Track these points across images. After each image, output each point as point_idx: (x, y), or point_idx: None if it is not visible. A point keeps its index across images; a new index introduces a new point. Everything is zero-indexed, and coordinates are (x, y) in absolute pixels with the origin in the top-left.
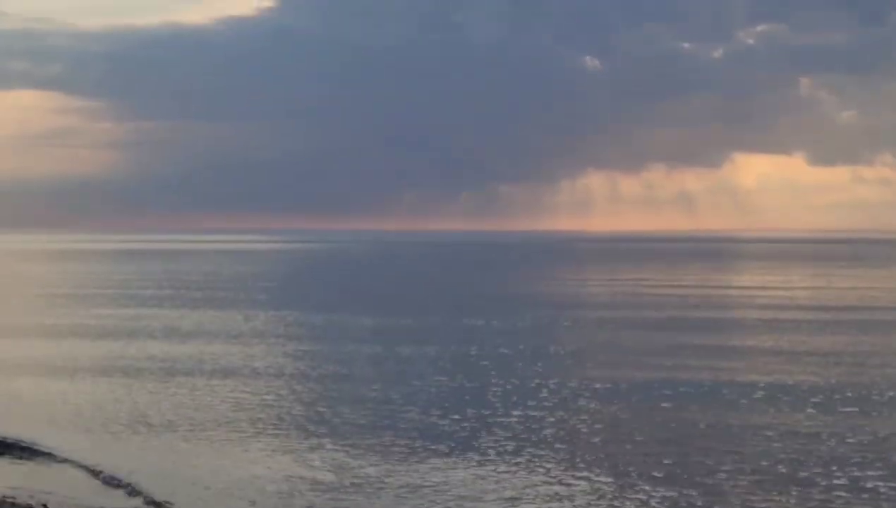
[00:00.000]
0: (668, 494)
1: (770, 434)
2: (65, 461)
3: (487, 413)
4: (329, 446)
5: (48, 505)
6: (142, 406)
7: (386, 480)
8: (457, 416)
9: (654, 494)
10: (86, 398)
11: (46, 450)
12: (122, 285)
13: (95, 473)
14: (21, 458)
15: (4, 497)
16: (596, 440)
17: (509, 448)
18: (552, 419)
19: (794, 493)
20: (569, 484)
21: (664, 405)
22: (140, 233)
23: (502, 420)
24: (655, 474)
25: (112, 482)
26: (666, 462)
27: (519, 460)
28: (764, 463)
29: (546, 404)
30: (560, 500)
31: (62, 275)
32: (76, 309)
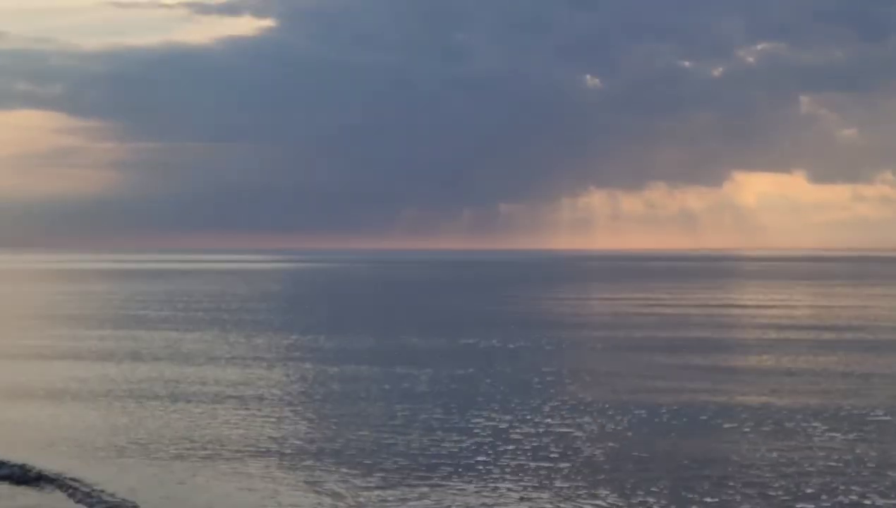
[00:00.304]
0: None
1: (772, 453)
2: (61, 484)
3: (487, 435)
4: (331, 470)
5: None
6: (140, 429)
7: (390, 504)
8: (457, 438)
9: None
10: (84, 421)
11: (41, 474)
12: (125, 306)
13: (89, 495)
14: (18, 483)
15: None
16: (597, 462)
17: (510, 467)
18: (553, 441)
19: None
20: (573, 504)
21: (664, 426)
22: (142, 252)
23: (502, 440)
24: (657, 497)
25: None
26: (667, 484)
27: (521, 480)
28: (764, 483)
29: (548, 425)
30: None
31: (64, 296)
32: (79, 329)
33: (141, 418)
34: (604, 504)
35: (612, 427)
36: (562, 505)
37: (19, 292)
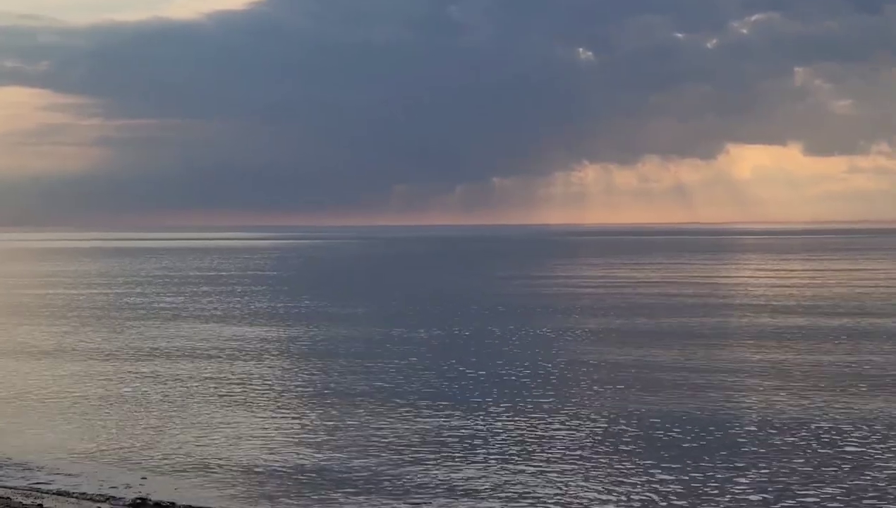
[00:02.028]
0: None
1: (774, 424)
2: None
3: (484, 412)
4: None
5: (43, 505)
6: (144, 396)
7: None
8: (452, 413)
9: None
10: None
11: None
12: (125, 283)
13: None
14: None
15: None
16: (605, 435)
17: (512, 450)
18: (553, 417)
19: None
20: (577, 485)
21: (659, 398)
22: (128, 230)
23: (500, 418)
24: (666, 470)
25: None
26: (674, 458)
27: (524, 460)
28: (772, 462)
29: (545, 403)
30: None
31: (55, 275)
32: (75, 310)
33: (143, 386)
34: (622, 480)
35: (609, 405)
36: (589, 481)
37: (6, 271)
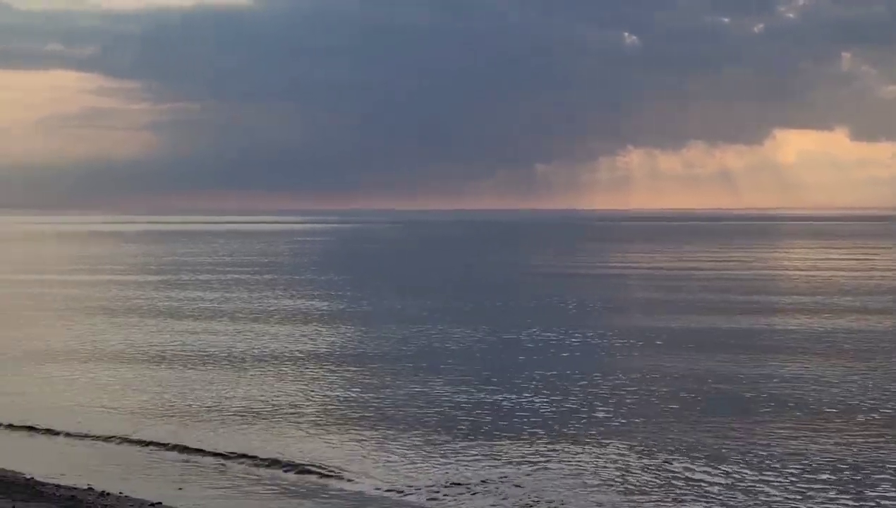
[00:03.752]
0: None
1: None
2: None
3: (537, 395)
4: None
5: (35, 477)
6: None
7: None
8: (497, 397)
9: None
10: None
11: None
12: (175, 267)
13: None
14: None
15: None
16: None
17: (573, 431)
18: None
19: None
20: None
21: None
22: (174, 214)
23: (550, 403)
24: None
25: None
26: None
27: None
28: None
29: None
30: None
31: (101, 257)
32: (124, 290)
33: (176, 375)
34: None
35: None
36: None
37: (53, 254)
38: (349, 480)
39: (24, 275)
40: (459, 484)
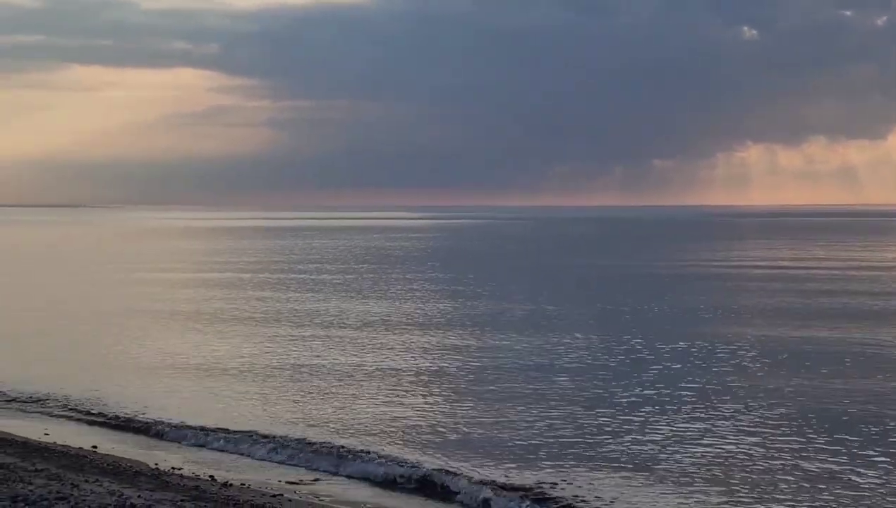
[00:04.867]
0: None
1: None
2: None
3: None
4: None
5: (159, 467)
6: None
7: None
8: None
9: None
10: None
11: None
12: (304, 261)
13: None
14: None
15: None
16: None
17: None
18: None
19: None
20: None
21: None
22: (294, 210)
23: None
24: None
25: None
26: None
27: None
28: None
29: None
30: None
31: (242, 252)
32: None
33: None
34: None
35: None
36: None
37: (189, 249)
38: None
39: (208, 274)
40: None
